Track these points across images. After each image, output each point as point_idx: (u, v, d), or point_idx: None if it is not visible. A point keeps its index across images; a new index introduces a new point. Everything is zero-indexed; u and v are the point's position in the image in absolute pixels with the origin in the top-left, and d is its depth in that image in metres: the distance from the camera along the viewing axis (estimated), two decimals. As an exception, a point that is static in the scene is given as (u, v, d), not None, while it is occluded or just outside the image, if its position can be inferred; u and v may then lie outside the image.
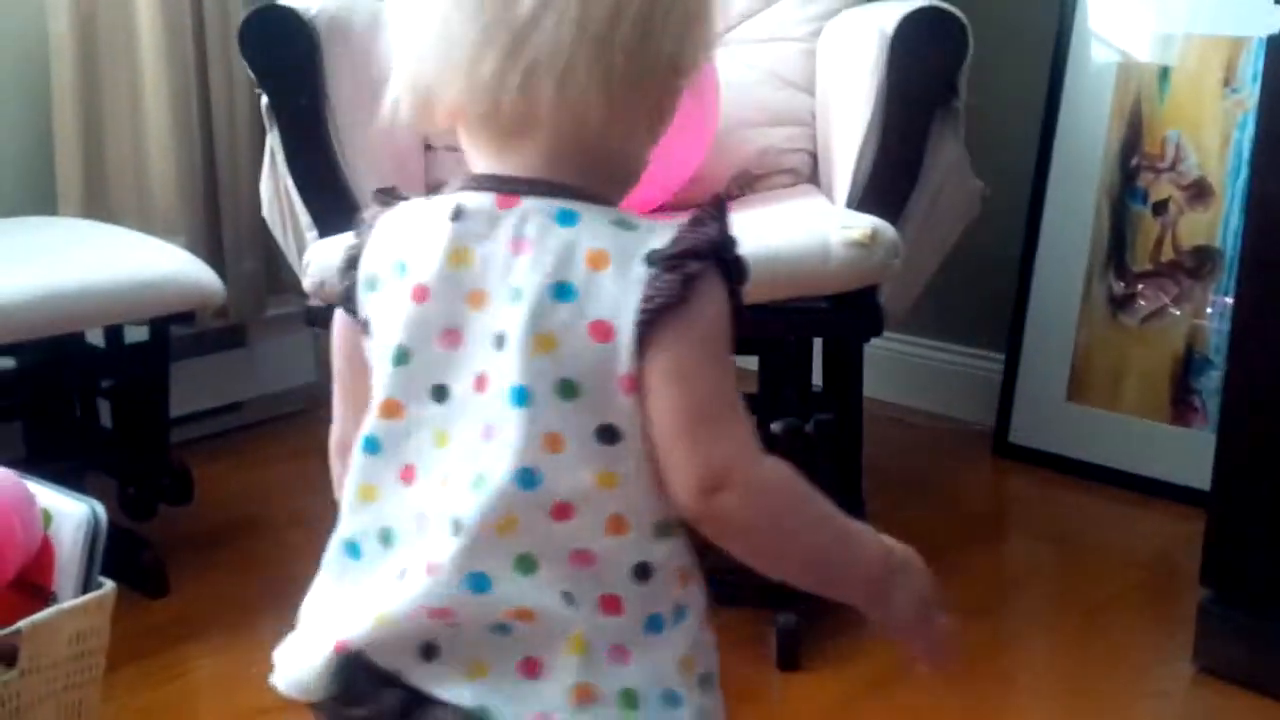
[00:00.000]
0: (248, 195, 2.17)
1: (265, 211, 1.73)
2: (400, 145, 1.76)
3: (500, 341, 0.70)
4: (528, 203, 0.71)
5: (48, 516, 1.22)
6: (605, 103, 0.69)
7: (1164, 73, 2.07)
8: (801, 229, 1.52)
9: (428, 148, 1.88)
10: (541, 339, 0.69)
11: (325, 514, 1.93)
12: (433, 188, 1.87)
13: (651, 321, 0.68)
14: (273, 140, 1.63)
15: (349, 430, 0.78)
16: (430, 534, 0.72)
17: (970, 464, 2.21)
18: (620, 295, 0.68)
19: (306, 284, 1.52)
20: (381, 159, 1.68)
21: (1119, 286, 2.12)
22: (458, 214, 0.72)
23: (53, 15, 1.98)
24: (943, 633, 0.79)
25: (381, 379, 0.74)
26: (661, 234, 0.70)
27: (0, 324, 1.52)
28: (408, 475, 0.73)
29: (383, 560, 0.75)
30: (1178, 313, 2.06)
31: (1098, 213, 2.13)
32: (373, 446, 0.74)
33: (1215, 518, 1.52)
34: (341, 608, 0.76)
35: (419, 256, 0.72)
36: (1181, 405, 2.06)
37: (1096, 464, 2.12)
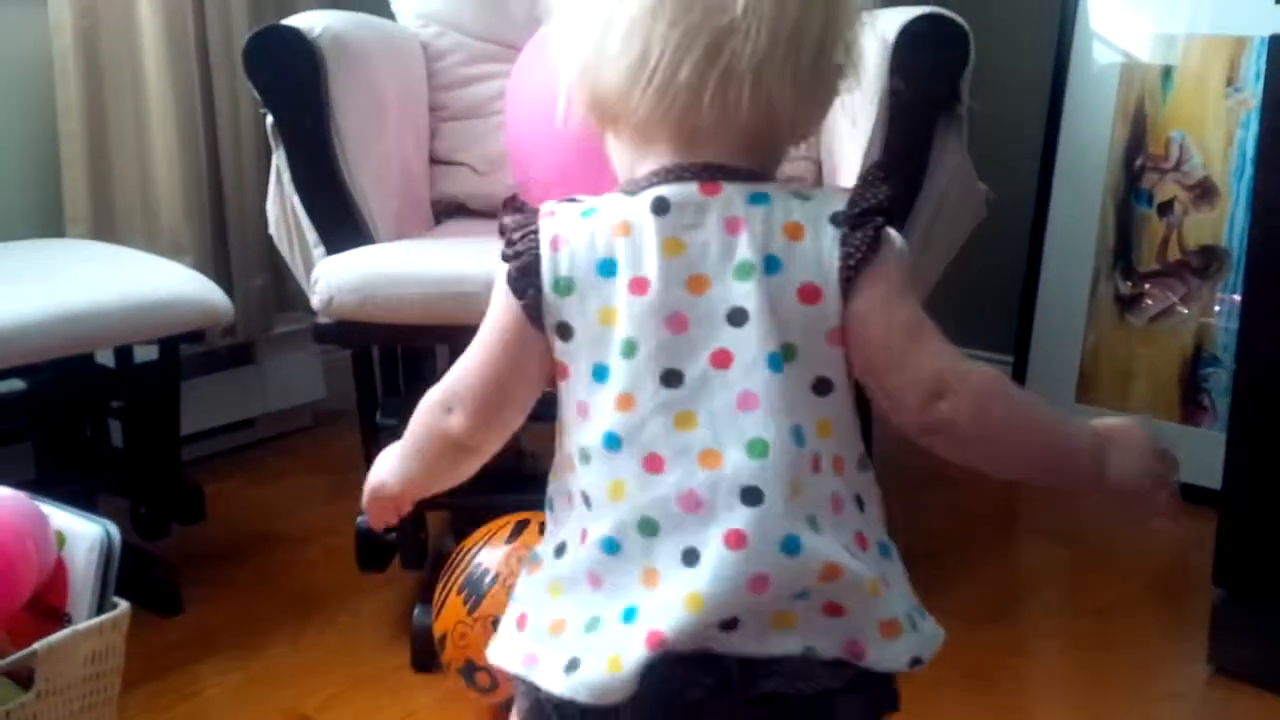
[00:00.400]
0: (253, 213, 2.18)
1: (272, 230, 1.73)
2: (407, 161, 1.77)
3: (738, 317, 0.76)
4: (728, 188, 0.77)
5: (61, 538, 1.23)
6: (793, 100, 0.77)
7: (1167, 73, 2.07)
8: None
9: (433, 162, 1.89)
10: (787, 302, 0.76)
11: (337, 529, 1.95)
12: (438, 202, 1.89)
13: (852, 278, 0.76)
14: (279, 159, 1.64)
15: (468, 408, 0.83)
16: (716, 510, 0.75)
17: (980, 468, 2.20)
18: (820, 256, 0.76)
19: (315, 301, 1.52)
20: (388, 176, 1.69)
21: (1126, 287, 2.12)
22: (661, 207, 0.77)
23: (57, 34, 1.99)
24: (1172, 488, 0.84)
25: (613, 374, 0.77)
26: (838, 198, 0.79)
27: (11, 346, 1.52)
28: (654, 464, 0.76)
29: (651, 550, 0.77)
30: (1185, 312, 2.06)
31: (1103, 214, 2.13)
32: (613, 443, 0.77)
33: (1227, 517, 1.52)
34: (622, 603, 0.77)
35: (627, 252, 0.77)
36: (1190, 404, 2.05)
37: (1107, 465, 2.11)
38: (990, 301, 2.30)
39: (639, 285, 0.77)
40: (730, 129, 0.78)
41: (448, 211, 1.92)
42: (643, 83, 0.76)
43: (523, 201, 0.83)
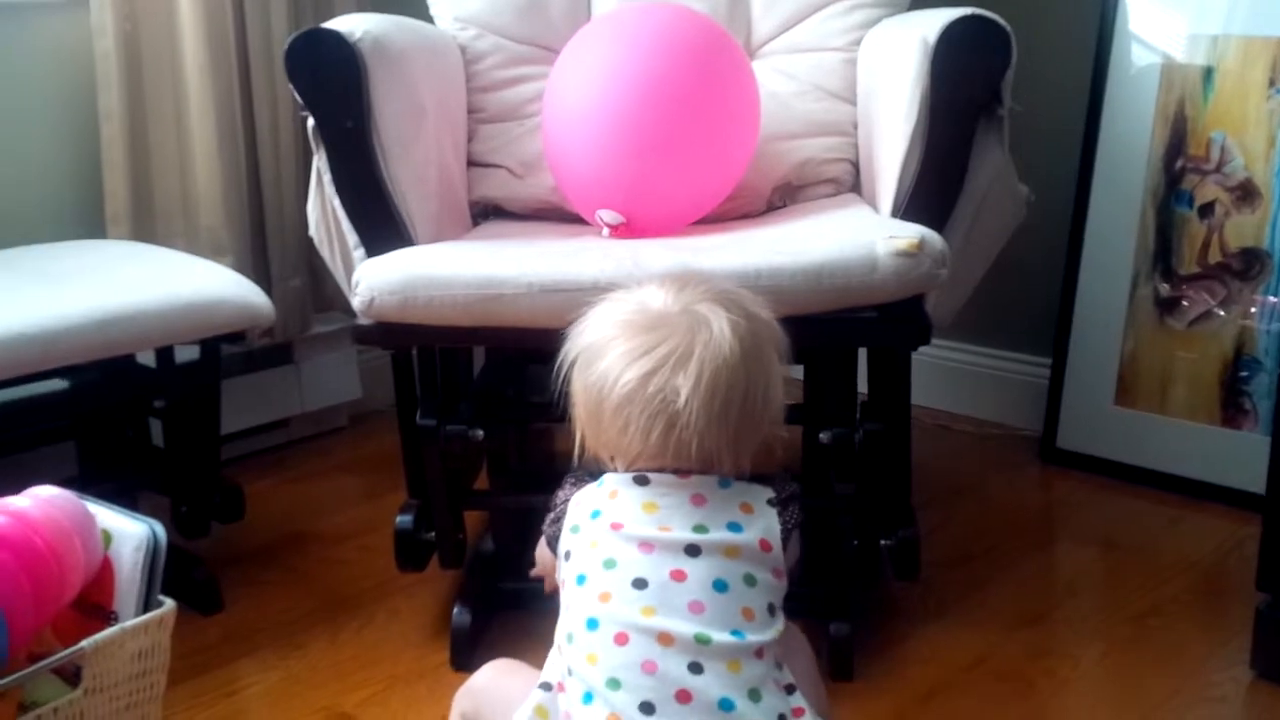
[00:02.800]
0: (292, 215, 2.20)
1: (312, 231, 1.74)
2: (445, 163, 1.78)
3: (693, 551, 1.06)
4: (695, 478, 1.10)
5: (108, 536, 1.24)
6: (729, 447, 1.09)
7: (1207, 74, 2.05)
8: (847, 239, 1.51)
9: (471, 165, 1.90)
10: (731, 550, 1.07)
11: (374, 528, 1.96)
12: (475, 204, 1.90)
13: (788, 537, 1.11)
14: (319, 162, 1.64)
15: None
16: (668, 675, 1.02)
17: (1018, 470, 2.20)
18: (767, 524, 1.10)
19: (356, 303, 1.53)
20: (427, 178, 1.69)
21: (1165, 289, 2.10)
22: (642, 481, 1.10)
23: (99, 37, 2.01)
24: None
25: (590, 579, 1.07)
26: (766, 490, 1.13)
27: (54, 347, 1.53)
28: (621, 639, 1.03)
29: (615, 702, 1.02)
30: (1226, 315, 2.05)
31: (1143, 216, 2.12)
32: (593, 625, 1.05)
33: (1271, 521, 1.51)
34: None
35: (612, 505, 1.10)
36: (1231, 408, 2.04)
37: (1146, 468, 2.10)
38: (1029, 304, 2.28)
39: (615, 526, 1.08)
40: (688, 462, 1.10)
41: (484, 213, 1.92)
42: (627, 440, 1.09)
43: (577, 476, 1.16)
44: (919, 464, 1.76)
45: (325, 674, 1.58)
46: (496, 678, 1.19)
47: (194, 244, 2.09)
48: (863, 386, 1.78)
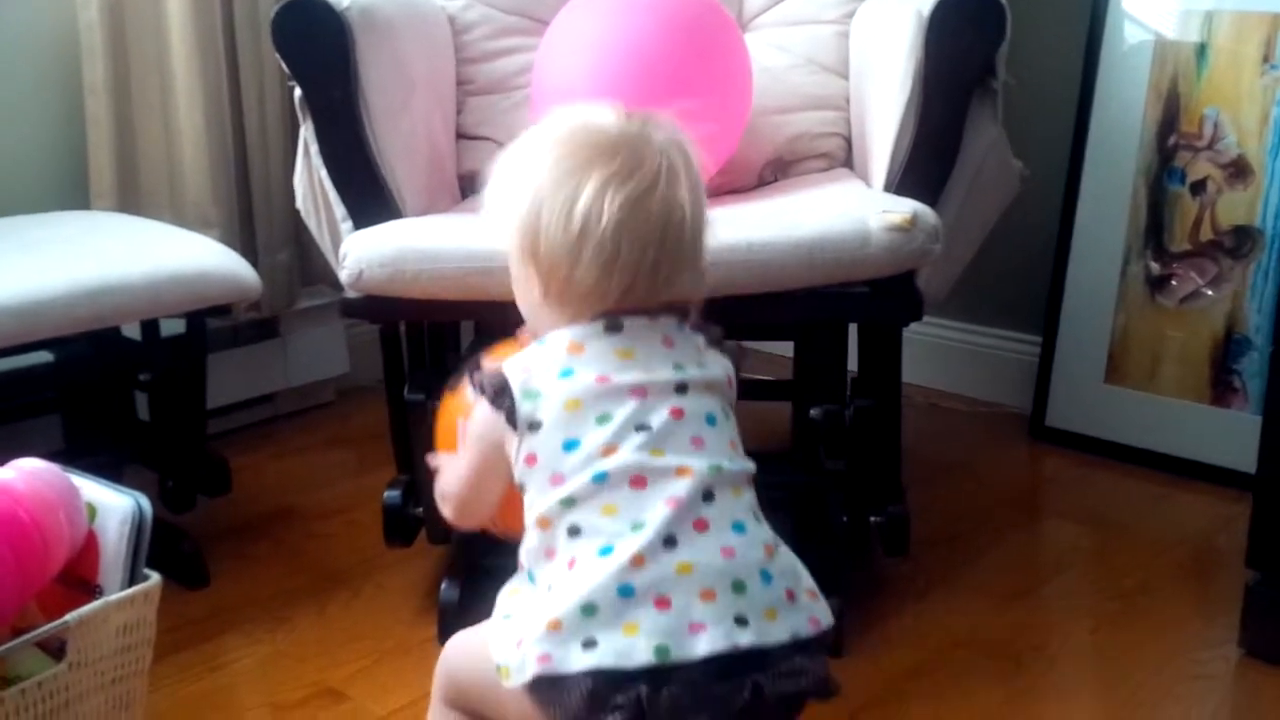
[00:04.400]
0: (279, 187, 2.18)
1: (299, 204, 1.73)
2: (434, 136, 1.76)
3: (682, 389, 1.04)
4: (664, 319, 1.07)
5: (92, 510, 1.23)
6: (694, 286, 1.09)
7: (1201, 50, 2.05)
8: (840, 214, 1.50)
9: (460, 137, 1.88)
10: (710, 385, 1.07)
11: (361, 503, 1.95)
12: (464, 177, 1.88)
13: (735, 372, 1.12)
14: (306, 133, 1.63)
15: (484, 503, 1.11)
16: (689, 507, 1.00)
17: (1007, 447, 2.20)
18: (723, 363, 1.10)
19: (343, 276, 1.51)
20: (416, 150, 1.68)
21: (1156, 267, 2.10)
22: (615, 327, 1.05)
23: (83, 8, 1.99)
24: None
25: (585, 441, 1.01)
26: (698, 334, 1.10)
27: (39, 319, 1.52)
28: (639, 483, 1.00)
29: (638, 544, 0.98)
30: (1216, 293, 2.04)
31: (1135, 193, 2.11)
32: (602, 478, 1.00)
33: (1262, 499, 1.51)
34: (616, 585, 0.96)
35: (582, 361, 1.04)
36: (1221, 386, 2.04)
37: (1135, 446, 2.10)
38: (1019, 281, 2.28)
39: (602, 379, 1.03)
40: (666, 294, 1.06)
41: (473, 186, 1.90)
42: (610, 281, 1.03)
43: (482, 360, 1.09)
44: (908, 441, 1.76)
45: (312, 648, 1.57)
46: (463, 643, 1.14)
47: (180, 217, 2.07)
48: (852, 364, 1.78)
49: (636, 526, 0.98)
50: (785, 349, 2.34)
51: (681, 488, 0.99)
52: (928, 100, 1.55)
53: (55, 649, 1.16)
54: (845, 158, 1.87)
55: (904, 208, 1.48)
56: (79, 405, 1.88)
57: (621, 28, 1.66)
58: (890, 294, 1.51)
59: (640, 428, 1.02)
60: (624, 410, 1.02)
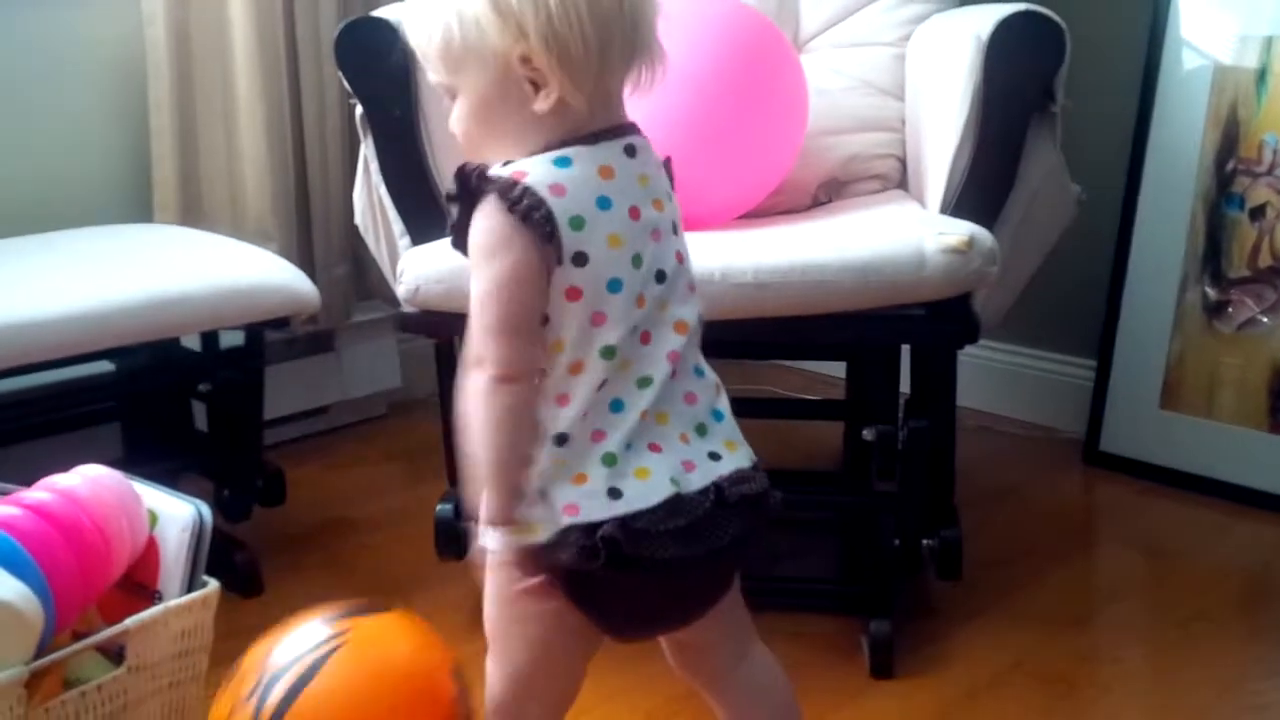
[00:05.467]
0: (337, 203, 2.21)
1: (358, 219, 1.75)
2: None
3: (676, 228, 1.03)
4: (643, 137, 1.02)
5: (154, 517, 1.25)
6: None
7: (1260, 75, 2.03)
8: (895, 235, 1.50)
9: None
10: (679, 218, 1.04)
11: (414, 515, 1.95)
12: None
13: None
14: (367, 150, 1.65)
15: (535, 357, 0.99)
16: (685, 363, 1.02)
17: (1061, 472, 2.18)
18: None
19: (401, 291, 1.53)
20: (474, 166, 1.69)
21: (1214, 293, 2.07)
22: (631, 151, 0.99)
23: (150, 25, 2.03)
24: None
25: (626, 284, 0.97)
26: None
27: (102, 328, 1.55)
28: (645, 338, 0.99)
29: (645, 398, 1.00)
30: (1274, 320, 2.02)
31: (1192, 218, 2.09)
32: (635, 333, 0.98)
33: (1321, 530, 1.48)
34: (623, 439, 0.99)
35: (616, 189, 0.97)
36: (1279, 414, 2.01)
37: (1191, 473, 2.08)
38: (1074, 305, 2.26)
39: (634, 212, 0.98)
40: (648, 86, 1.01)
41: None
42: (628, 74, 0.99)
43: (474, 167, 0.98)
44: (959, 465, 1.74)
45: (364, 659, 1.58)
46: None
47: (240, 231, 2.10)
48: (904, 385, 1.78)
49: (644, 383, 0.99)
50: (835, 369, 2.34)
51: (679, 343, 1.00)
52: (986, 122, 1.55)
53: (115, 653, 1.18)
54: (900, 180, 1.87)
55: (961, 230, 1.48)
56: (138, 414, 1.91)
57: (679, 49, 1.66)
58: (946, 316, 1.51)
59: (659, 277, 0.99)
60: (648, 253, 0.99)
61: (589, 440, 0.98)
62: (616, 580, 0.98)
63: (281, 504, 1.85)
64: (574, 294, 0.96)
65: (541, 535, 0.98)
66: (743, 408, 2.46)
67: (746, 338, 1.49)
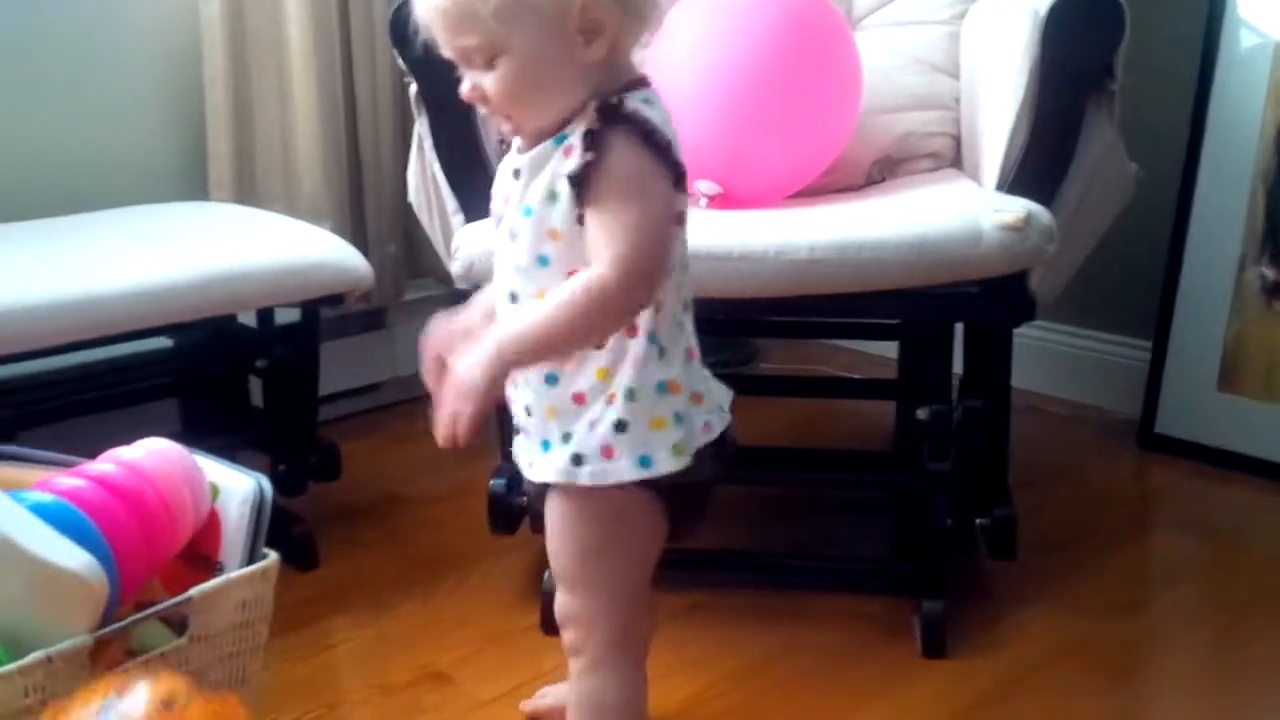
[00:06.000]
0: (389, 181, 2.22)
1: (411, 197, 1.76)
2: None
3: None
4: None
5: (215, 489, 1.26)
6: None
7: (1324, 53, 1.99)
8: (952, 212, 1.49)
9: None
10: None
11: (466, 492, 1.97)
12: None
13: None
14: (421, 128, 1.66)
15: (656, 280, 1.07)
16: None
17: (1114, 454, 2.15)
18: None
19: (455, 268, 1.54)
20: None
21: (1273, 273, 2.04)
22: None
23: (205, 4, 2.04)
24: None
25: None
26: None
27: (162, 305, 1.56)
28: (685, 263, 1.12)
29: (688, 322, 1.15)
30: (1337, 301, 1.99)
31: (1252, 198, 2.06)
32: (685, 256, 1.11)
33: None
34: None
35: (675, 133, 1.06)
36: (1340, 397, 1.98)
37: (1249, 455, 2.05)
38: (1129, 285, 2.23)
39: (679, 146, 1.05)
40: None
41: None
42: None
43: (601, 104, 1.02)
44: (1011, 446, 1.73)
45: (418, 633, 1.60)
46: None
47: (294, 209, 2.12)
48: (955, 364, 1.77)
49: (688, 306, 1.12)
50: (882, 348, 2.33)
51: (691, 290, 1.13)
52: (1044, 100, 1.53)
53: (177, 624, 1.19)
54: (953, 158, 1.85)
55: (1017, 207, 1.46)
56: (196, 390, 1.93)
57: (732, 27, 1.66)
58: (1002, 294, 1.50)
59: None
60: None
61: (684, 356, 1.11)
62: (707, 488, 1.14)
63: (336, 479, 1.87)
64: (681, 219, 1.08)
65: (688, 457, 1.09)
66: (793, 386, 2.46)
67: (799, 316, 1.49)
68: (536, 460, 1.14)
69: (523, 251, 1.08)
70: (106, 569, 1.10)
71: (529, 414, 1.14)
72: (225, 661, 1.23)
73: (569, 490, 1.11)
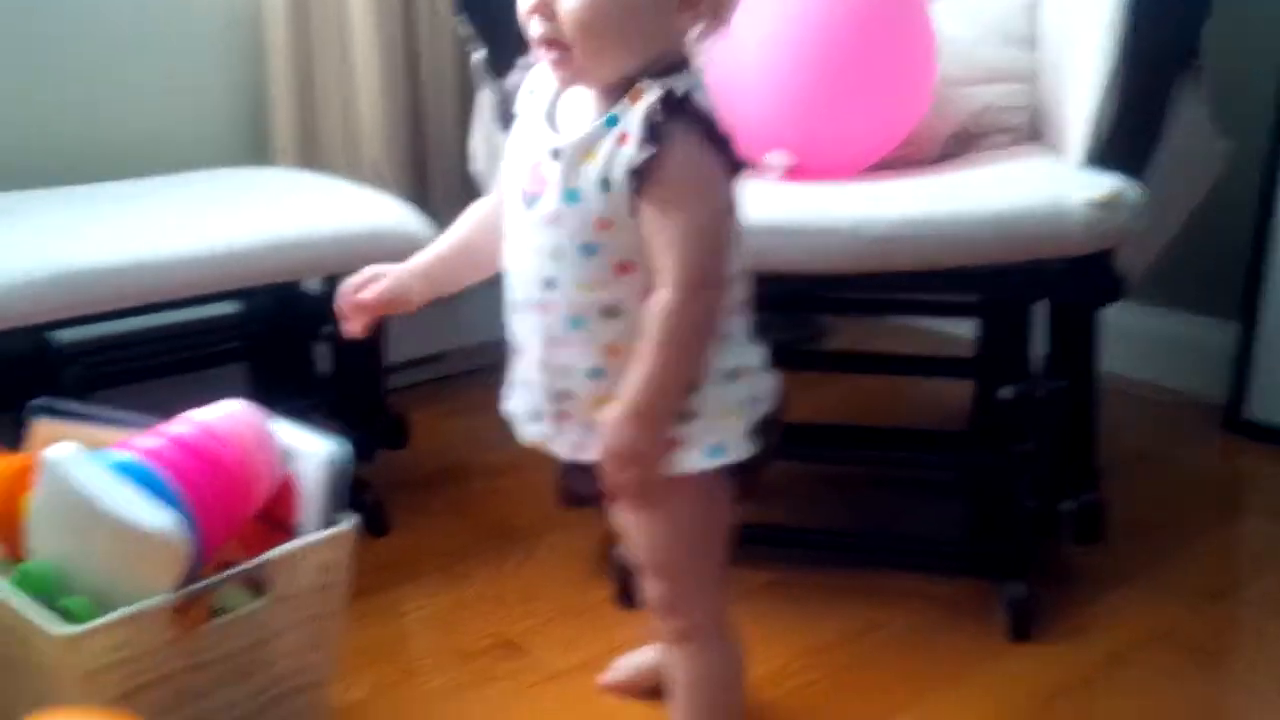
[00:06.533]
0: (452, 149, 2.20)
1: (478, 164, 1.74)
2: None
3: None
4: None
5: (291, 453, 1.25)
6: None
7: None
8: (1036, 187, 1.45)
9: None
10: None
11: (533, 464, 1.94)
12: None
13: None
14: (485, 96, 1.63)
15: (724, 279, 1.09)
16: None
17: (1200, 439, 2.10)
18: None
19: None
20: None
21: (1363, 253, 1.98)
22: None
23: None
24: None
25: None
26: None
27: (230, 270, 1.55)
28: None
29: None
30: None
31: (1343, 175, 1.99)
32: None
33: None
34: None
35: None
36: None
37: (1344, 442, 1.99)
38: (1216, 264, 2.17)
39: None
40: None
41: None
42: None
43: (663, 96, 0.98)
44: (1107, 435, 1.69)
45: (489, 603, 1.59)
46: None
47: (356, 176, 2.10)
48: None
49: (733, 308, 1.10)
50: (954, 326, 2.28)
51: (742, 261, 1.10)
52: (1132, 74, 1.48)
53: (257, 583, 1.18)
54: (1030, 132, 1.81)
55: (1105, 183, 1.42)
56: (263, 355, 1.92)
57: (806, -2, 1.63)
58: (1088, 273, 1.45)
59: None
60: None
61: (744, 338, 1.09)
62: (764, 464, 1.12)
63: (404, 447, 1.86)
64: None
65: (757, 441, 1.08)
66: (870, 363, 2.41)
67: (875, 294, 1.45)
68: (589, 442, 1.11)
69: (565, 237, 1.04)
70: (187, 528, 1.09)
71: (561, 399, 1.15)
72: (306, 624, 1.22)
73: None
